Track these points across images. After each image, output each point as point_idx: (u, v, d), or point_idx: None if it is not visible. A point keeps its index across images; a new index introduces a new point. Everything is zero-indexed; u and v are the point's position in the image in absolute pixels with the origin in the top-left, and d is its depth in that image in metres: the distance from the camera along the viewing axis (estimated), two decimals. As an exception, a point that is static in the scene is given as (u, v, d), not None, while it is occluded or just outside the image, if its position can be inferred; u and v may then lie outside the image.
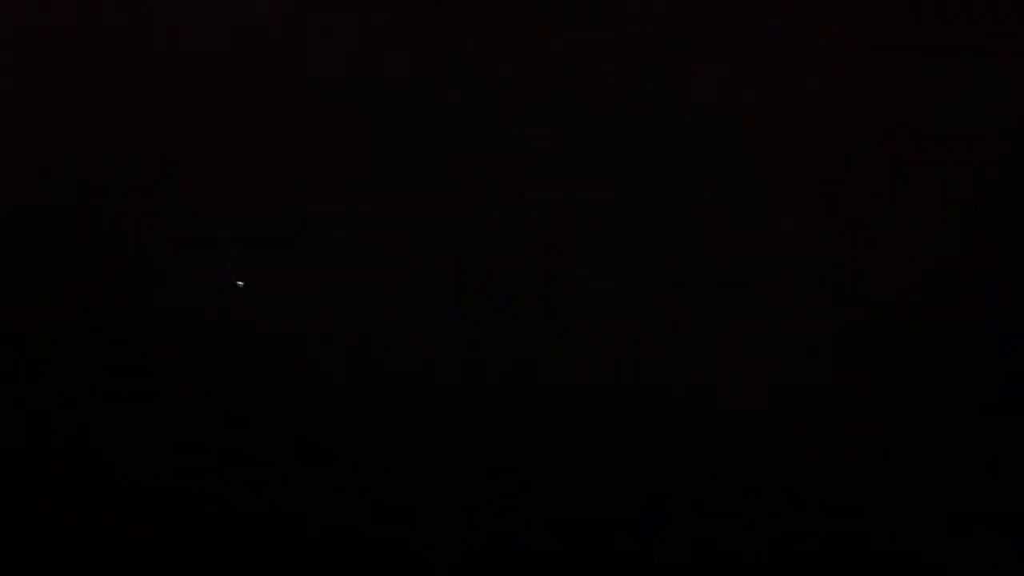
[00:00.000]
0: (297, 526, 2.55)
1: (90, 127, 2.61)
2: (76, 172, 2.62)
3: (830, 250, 2.41)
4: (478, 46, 2.50)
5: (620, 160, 2.46)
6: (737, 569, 2.44)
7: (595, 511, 2.46)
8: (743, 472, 2.43)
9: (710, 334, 2.44)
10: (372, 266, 2.53)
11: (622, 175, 2.46)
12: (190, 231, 2.58)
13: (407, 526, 2.51)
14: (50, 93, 2.63)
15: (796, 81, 2.42)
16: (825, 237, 2.41)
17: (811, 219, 2.41)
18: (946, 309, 2.39)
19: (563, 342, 2.48)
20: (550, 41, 2.47)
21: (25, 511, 2.60)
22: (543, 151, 2.48)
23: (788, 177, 2.41)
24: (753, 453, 2.43)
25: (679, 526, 2.44)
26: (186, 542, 2.57)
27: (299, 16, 2.55)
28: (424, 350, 2.51)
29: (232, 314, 2.56)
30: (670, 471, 2.44)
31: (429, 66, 2.50)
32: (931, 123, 2.39)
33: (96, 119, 2.61)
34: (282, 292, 2.56)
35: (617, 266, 2.47)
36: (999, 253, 2.39)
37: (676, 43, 2.44)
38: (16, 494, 2.60)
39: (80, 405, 2.60)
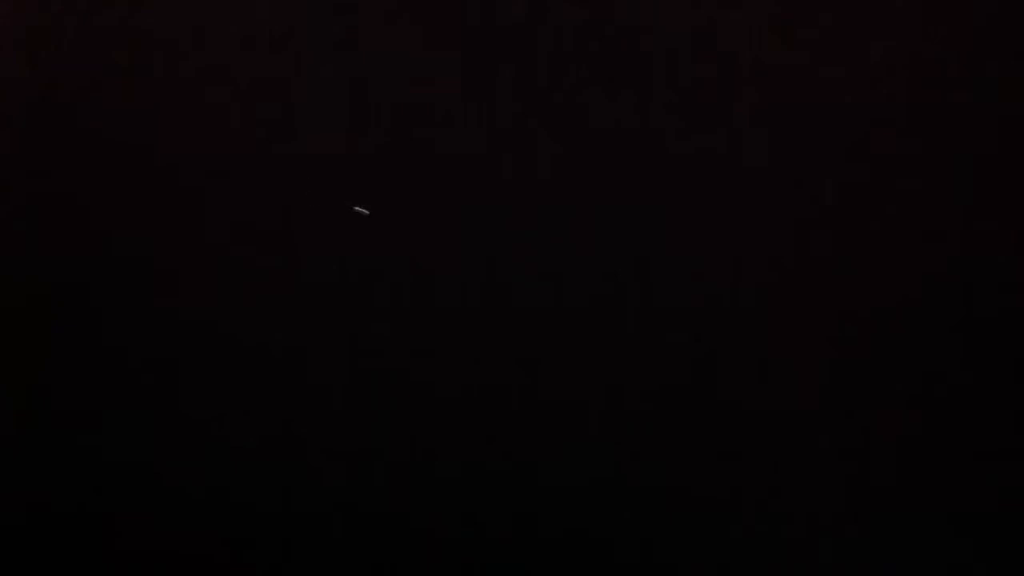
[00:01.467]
0: (296, 527, 2.55)
1: (89, 127, 2.61)
2: (75, 172, 2.62)
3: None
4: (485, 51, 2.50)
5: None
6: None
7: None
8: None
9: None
10: (367, 273, 2.53)
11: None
12: (190, 232, 2.58)
13: (408, 527, 2.52)
14: (49, 92, 2.63)
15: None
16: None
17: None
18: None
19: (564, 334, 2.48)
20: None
21: (24, 511, 2.60)
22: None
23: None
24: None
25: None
26: (185, 543, 2.57)
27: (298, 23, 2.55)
28: (420, 352, 2.52)
29: (232, 316, 2.57)
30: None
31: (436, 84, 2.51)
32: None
33: (94, 118, 2.61)
34: (281, 294, 2.56)
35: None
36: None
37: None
38: (15, 494, 2.61)
39: (78, 405, 2.60)
